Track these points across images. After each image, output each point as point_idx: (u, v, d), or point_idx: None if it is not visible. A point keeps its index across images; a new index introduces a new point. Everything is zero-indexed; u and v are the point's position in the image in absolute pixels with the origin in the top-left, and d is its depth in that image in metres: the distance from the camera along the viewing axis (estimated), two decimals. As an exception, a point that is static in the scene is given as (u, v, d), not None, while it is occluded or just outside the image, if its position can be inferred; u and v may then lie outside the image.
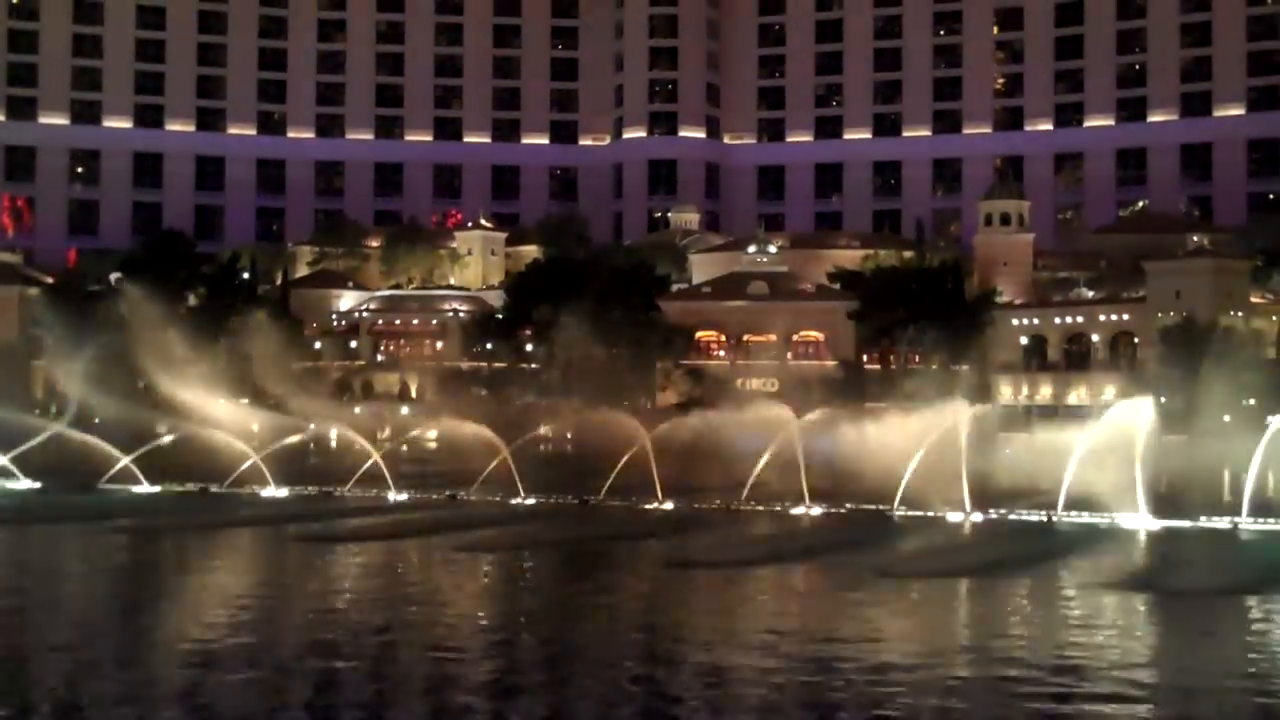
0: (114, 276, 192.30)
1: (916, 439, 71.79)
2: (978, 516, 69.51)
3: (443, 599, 48.23)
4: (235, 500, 79.12)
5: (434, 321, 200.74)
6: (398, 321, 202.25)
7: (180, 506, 76.31)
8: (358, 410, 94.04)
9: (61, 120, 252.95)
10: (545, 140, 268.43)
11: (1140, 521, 66.98)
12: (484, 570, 55.93)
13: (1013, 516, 70.41)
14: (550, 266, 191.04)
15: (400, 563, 56.86)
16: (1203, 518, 67.53)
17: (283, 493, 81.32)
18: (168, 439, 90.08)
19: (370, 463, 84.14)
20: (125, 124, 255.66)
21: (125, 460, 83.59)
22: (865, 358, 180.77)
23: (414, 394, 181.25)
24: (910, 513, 69.88)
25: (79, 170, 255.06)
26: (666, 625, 43.02)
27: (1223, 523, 66.72)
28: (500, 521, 70.49)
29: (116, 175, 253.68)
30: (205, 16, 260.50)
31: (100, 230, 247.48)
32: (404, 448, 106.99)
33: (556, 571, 55.93)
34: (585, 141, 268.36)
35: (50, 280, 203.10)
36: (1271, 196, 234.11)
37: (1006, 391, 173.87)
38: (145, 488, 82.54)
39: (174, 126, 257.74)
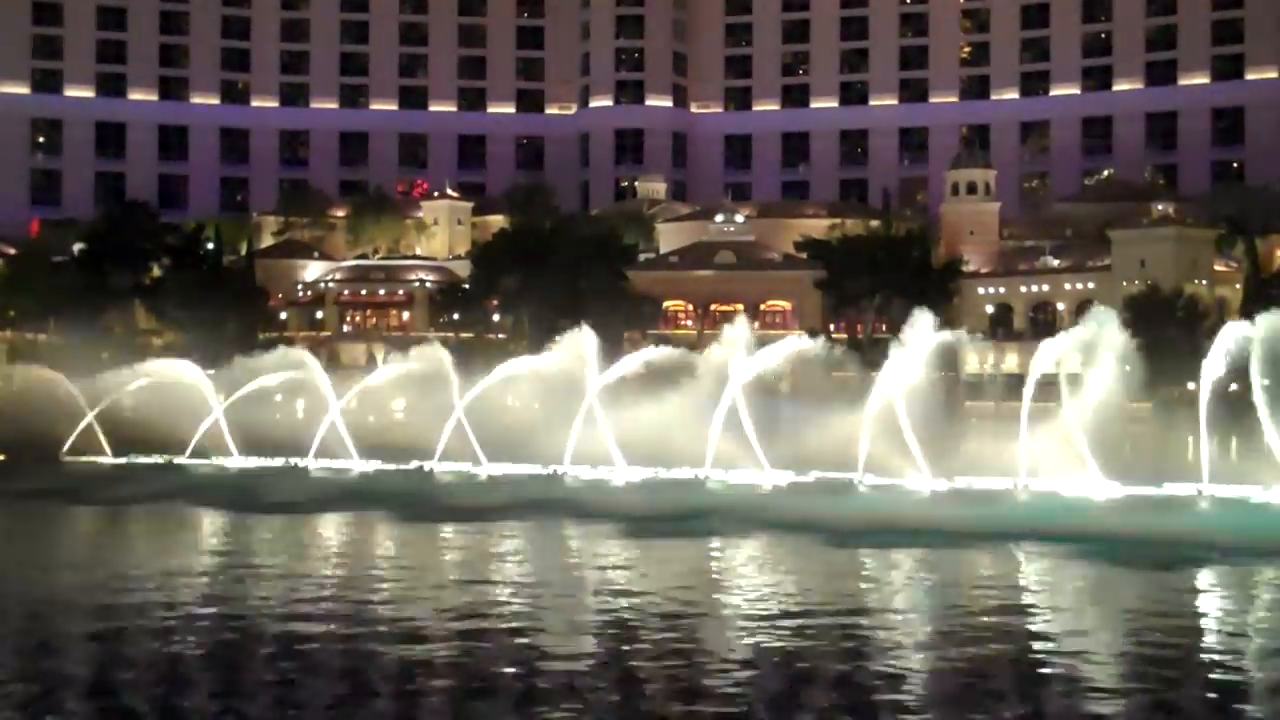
0: (77, 247, 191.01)
1: None
2: None
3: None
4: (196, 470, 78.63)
5: (400, 291, 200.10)
6: (364, 292, 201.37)
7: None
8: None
9: (22, 89, 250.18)
10: (511, 109, 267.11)
11: None
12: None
13: None
14: (517, 236, 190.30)
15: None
16: None
17: (248, 463, 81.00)
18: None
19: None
20: (87, 93, 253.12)
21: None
22: (832, 327, 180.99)
23: (380, 364, 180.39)
24: None
25: (40, 140, 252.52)
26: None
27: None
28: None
29: (79, 144, 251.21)
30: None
31: (63, 200, 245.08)
32: (370, 418, 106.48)
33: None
34: (552, 110, 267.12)
35: (12, 251, 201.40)
36: (1235, 165, 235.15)
37: (973, 360, 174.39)
38: (109, 459, 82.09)
39: (136, 95, 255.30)
